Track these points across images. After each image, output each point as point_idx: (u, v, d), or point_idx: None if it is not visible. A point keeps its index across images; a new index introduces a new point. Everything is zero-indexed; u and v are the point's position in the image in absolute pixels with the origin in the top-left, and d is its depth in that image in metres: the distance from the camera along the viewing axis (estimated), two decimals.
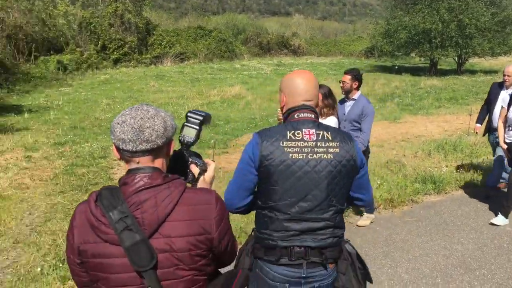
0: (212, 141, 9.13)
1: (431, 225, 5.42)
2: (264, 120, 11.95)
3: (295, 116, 2.08)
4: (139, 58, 27.17)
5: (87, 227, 1.45)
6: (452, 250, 4.76)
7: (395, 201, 6.03)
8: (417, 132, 10.61)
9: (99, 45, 25.79)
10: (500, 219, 5.38)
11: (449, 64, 29.30)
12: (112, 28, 26.46)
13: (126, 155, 1.50)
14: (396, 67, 24.51)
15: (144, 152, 1.49)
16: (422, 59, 30.75)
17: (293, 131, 2.01)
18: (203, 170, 1.71)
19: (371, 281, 2.23)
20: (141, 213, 1.42)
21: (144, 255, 1.40)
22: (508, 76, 5.90)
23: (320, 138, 2.01)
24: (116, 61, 26.22)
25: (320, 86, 3.76)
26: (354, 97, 5.00)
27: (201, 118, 1.71)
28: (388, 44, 24.53)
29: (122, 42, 26.42)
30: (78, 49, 24.66)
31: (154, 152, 1.51)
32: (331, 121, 4.36)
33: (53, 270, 4.09)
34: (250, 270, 2.12)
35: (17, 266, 4.25)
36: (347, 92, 5.02)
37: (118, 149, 1.51)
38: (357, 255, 2.18)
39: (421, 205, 6.11)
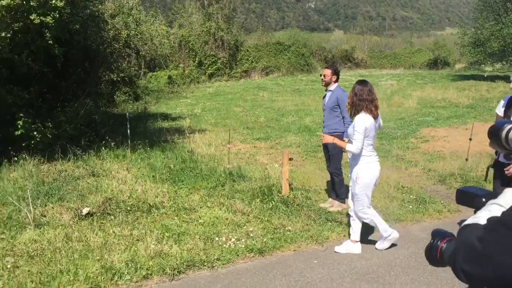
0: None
1: None
2: (412, 118, 13.17)
3: None
4: (230, 72, 29.23)
5: None
6: None
7: None
8: None
9: (196, 61, 27.99)
10: None
11: None
12: (206, 46, 28.66)
13: None
14: (486, 75, 25.36)
15: None
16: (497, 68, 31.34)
17: None
18: None
19: None
20: None
21: None
22: None
23: None
24: (210, 76, 28.34)
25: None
26: (331, 88, 5.56)
27: None
28: (478, 53, 25.46)
29: (216, 58, 28.58)
30: (180, 65, 26.87)
31: None
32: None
33: (416, 209, 5.53)
34: None
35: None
36: (327, 84, 5.58)
37: None
38: None
39: None
